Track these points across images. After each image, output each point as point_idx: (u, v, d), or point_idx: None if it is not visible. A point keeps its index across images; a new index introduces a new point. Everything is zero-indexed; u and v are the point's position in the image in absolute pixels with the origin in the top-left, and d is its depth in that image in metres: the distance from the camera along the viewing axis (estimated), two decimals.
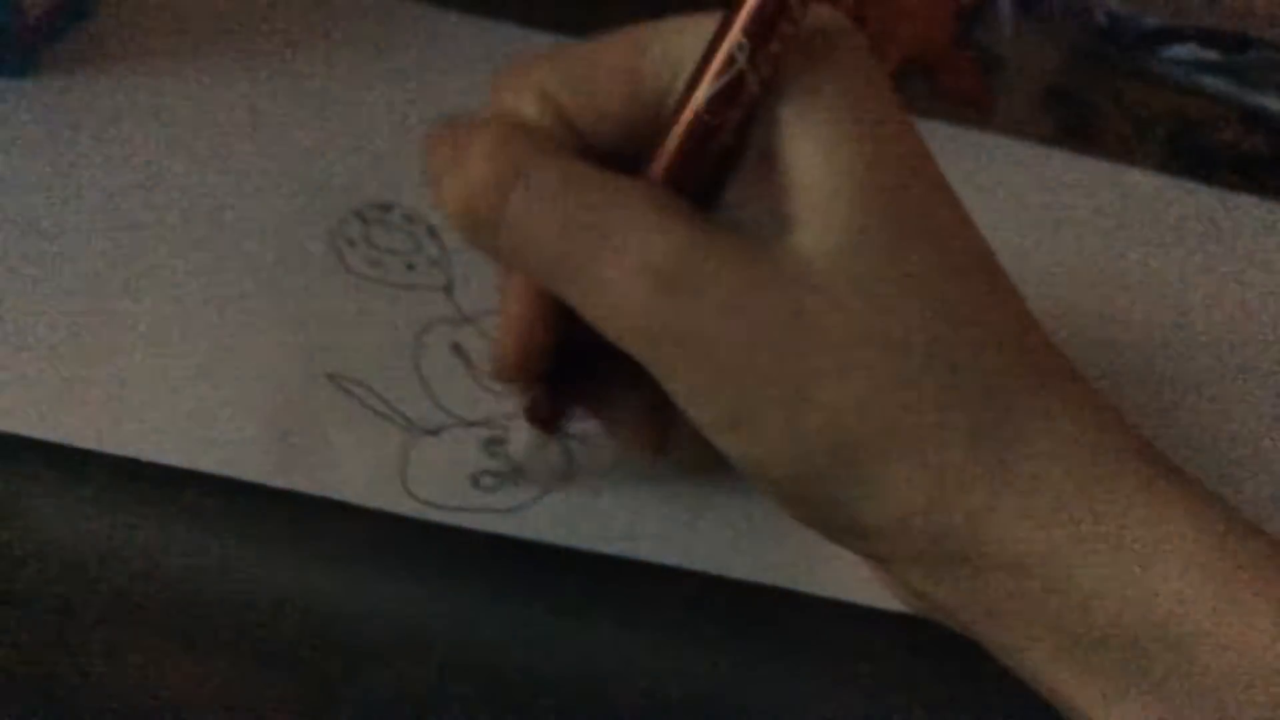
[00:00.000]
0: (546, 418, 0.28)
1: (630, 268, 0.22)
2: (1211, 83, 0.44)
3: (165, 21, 0.38)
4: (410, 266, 0.34)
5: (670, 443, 0.28)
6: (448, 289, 0.34)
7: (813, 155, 0.22)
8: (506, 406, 0.32)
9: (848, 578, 0.30)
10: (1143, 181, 0.43)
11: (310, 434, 0.30)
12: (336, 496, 0.29)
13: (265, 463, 0.29)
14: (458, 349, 0.32)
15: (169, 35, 0.38)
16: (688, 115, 0.23)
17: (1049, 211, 0.42)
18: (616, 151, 0.24)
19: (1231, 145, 0.43)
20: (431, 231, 0.35)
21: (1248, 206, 0.43)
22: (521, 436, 0.28)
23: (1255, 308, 0.41)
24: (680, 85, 0.23)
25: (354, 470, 0.29)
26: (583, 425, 0.31)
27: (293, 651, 0.27)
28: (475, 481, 0.30)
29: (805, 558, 0.30)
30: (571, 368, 0.27)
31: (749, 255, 0.22)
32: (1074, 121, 0.44)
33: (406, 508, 0.29)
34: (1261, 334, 0.40)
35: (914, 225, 0.22)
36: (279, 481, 0.29)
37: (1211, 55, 0.44)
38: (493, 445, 0.31)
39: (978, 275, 0.23)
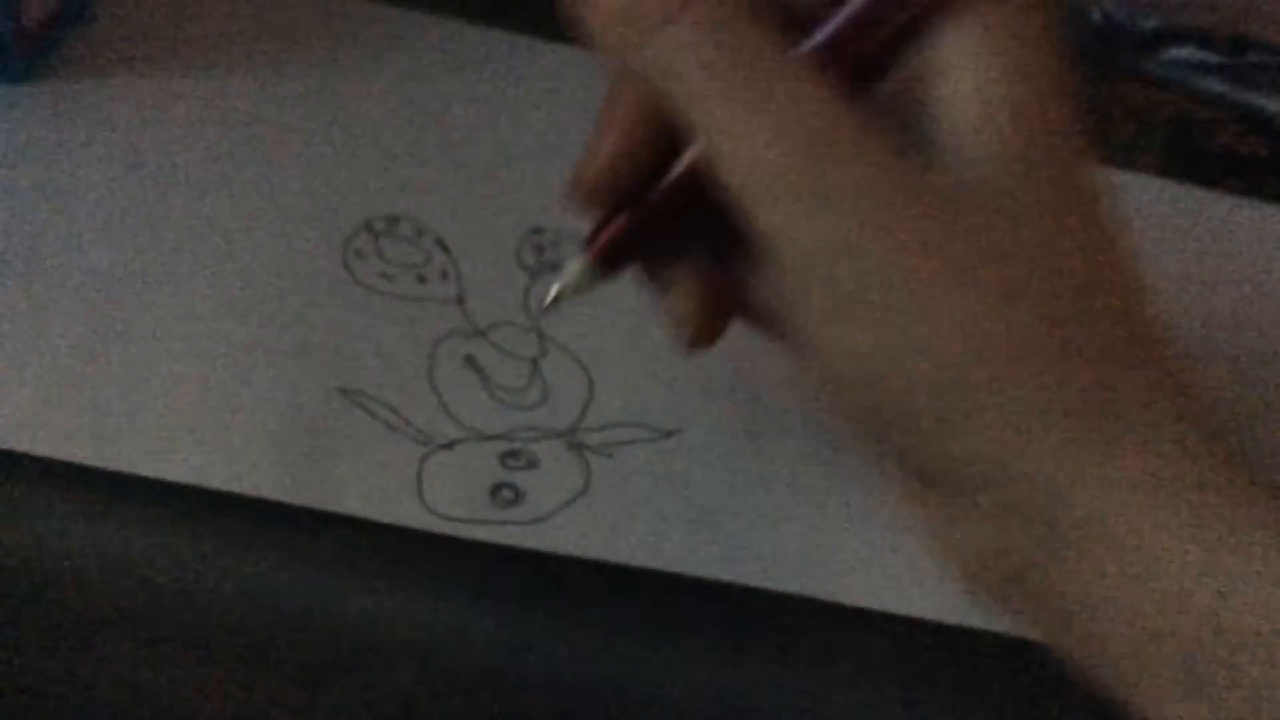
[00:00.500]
0: (606, 253, 0.26)
1: (780, 121, 0.21)
2: (1210, 85, 0.44)
3: (166, 28, 0.38)
4: (421, 279, 0.34)
5: (720, 334, 0.27)
6: (460, 301, 0.33)
7: (974, 83, 0.21)
8: (522, 419, 0.31)
9: (873, 585, 0.30)
10: (1142, 185, 0.43)
11: (323, 449, 0.29)
12: (351, 512, 0.28)
13: (277, 479, 0.28)
14: (471, 361, 0.32)
15: (170, 42, 0.37)
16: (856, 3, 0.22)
17: None
18: None
19: (1230, 148, 0.44)
20: (441, 244, 0.34)
21: (1246, 210, 0.43)
22: (571, 268, 0.26)
23: (1253, 311, 0.41)
24: None
25: (369, 485, 0.29)
26: (600, 435, 0.31)
27: (285, 660, 0.27)
28: (494, 494, 0.30)
29: (825, 563, 0.30)
30: (652, 218, 0.25)
31: (899, 153, 0.21)
32: None
33: (425, 522, 0.29)
34: (1259, 337, 0.40)
35: (1059, 184, 0.22)
36: (291, 498, 0.28)
37: (1210, 57, 0.44)
38: (510, 459, 0.31)
39: (1111, 255, 0.22)
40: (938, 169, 0.21)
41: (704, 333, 0.26)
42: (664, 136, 0.24)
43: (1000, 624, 0.29)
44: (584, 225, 0.26)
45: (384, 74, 0.38)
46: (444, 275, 0.34)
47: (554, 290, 0.27)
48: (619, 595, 0.29)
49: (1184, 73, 0.44)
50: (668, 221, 0.25)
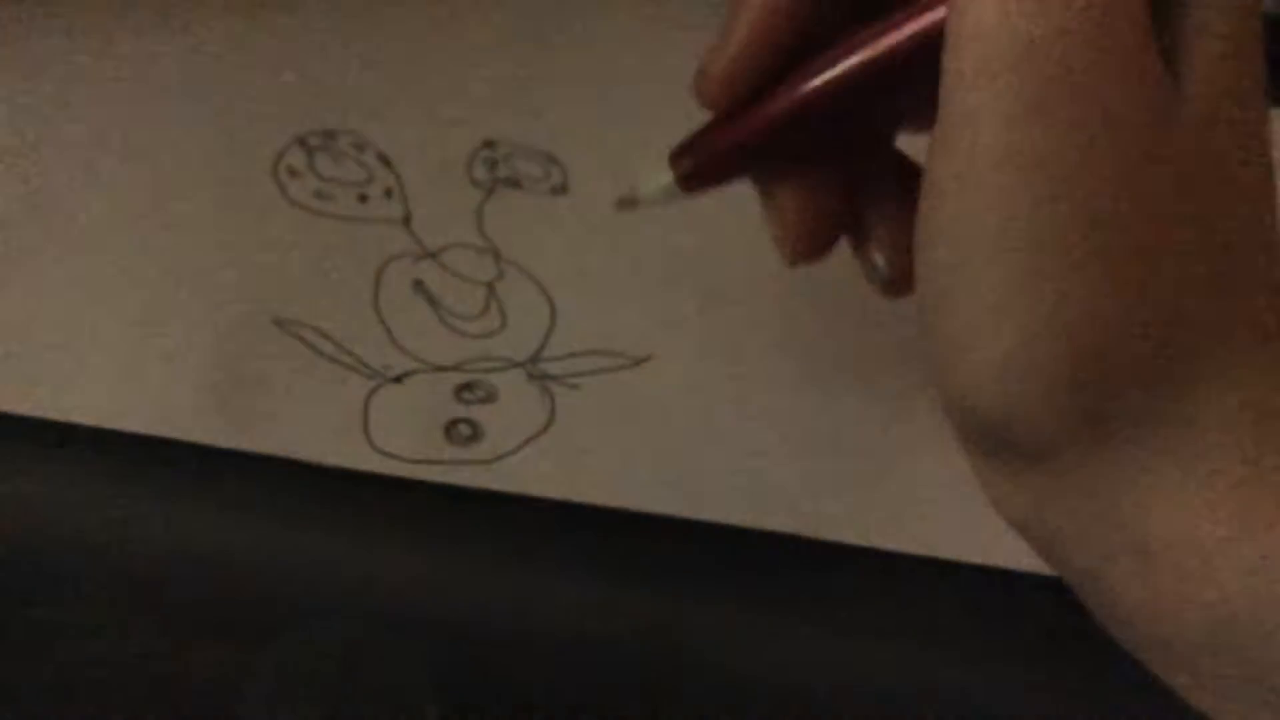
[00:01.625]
0: (703, 165, 0.23)
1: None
2: None
3: None
4: (363, 198, 0.30)
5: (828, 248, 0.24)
6: (406, 221, 0.30)
7: (1212, 32, 0.19)
8: (478, 349, 0.28)
9: (860, 521, 0.27)
10: None
11: (258, 386, 0.26)
12: (291, 454, 0.26)
13: (207, 420, 0.26)
14: (420, 287, 0.29)
15: None
16: None
17: None
18: None
19: None
20: (384, 159, 0.31)
21: None
22: (655, 177, 0.24)
23: None
24: None
25: (310, 424, 0.26)
26: (564, 364, 0.29)
27: (221, 617, 0.24)
28: (448, 431, 0.27)
29: (809, 499, 0.27)
30: (763, 134, 0.22)
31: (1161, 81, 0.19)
32: None
33: (372, 463, 0.26)
34: None
35: (1248, 142, 0.19)
36: (223, 441, 0.26)
37: None
38: (465, 392, 0.28)
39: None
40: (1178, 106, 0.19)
41: (808, 248, 0.24)
42: (796, 35, 0.21)
43: (994, 561, 0.27)
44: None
45: None
46: (388, 193, 0.31)
47: (630, 193, 0.24)
48: (585, 537, 0.26)
49: None
50: (781, 138, 0.22)
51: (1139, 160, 0.18)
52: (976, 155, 0.18)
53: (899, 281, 0.23)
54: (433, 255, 0.30)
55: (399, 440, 0.26)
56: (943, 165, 0.19)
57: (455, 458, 0.27)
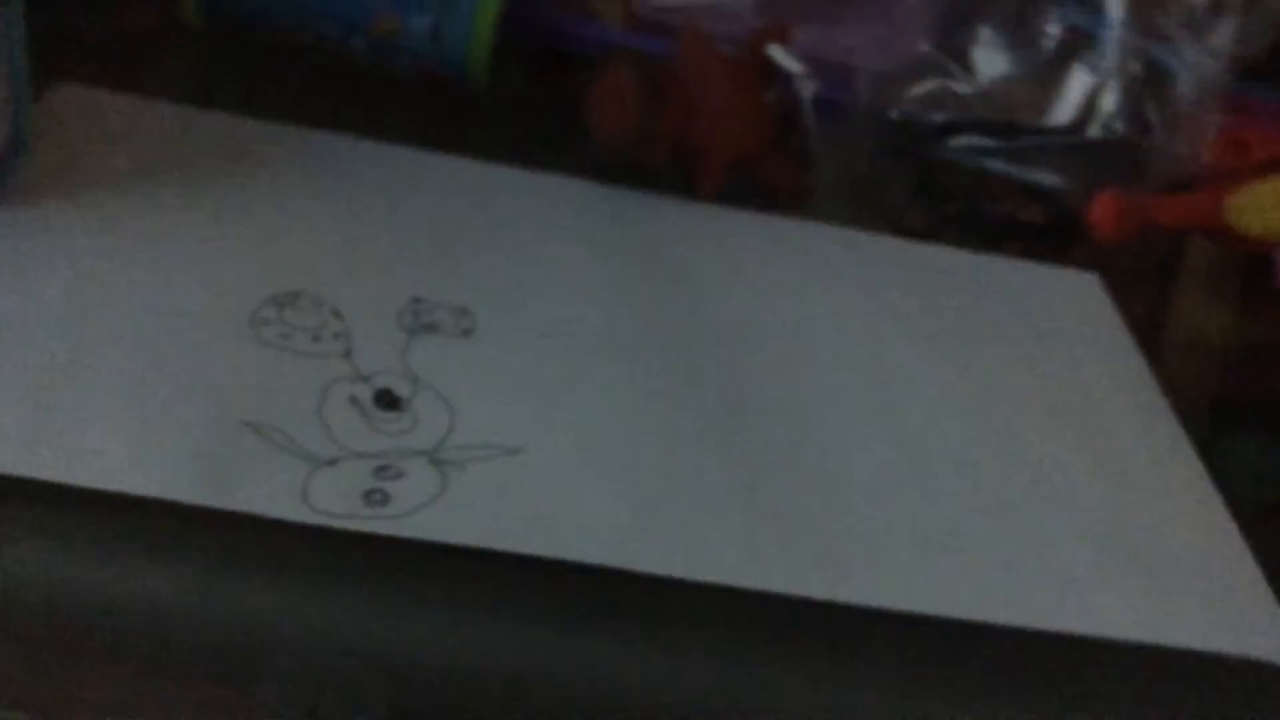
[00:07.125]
0: None
1: None
2: (994, 164, 0.53)
3: (95, 154, 0.47)
4: (315, 338, 0.42)
5: None
6: (348, 355, 0.41)
7: None
8: (394, 444, 0.39)
9: (741, 563, 0.37)
10: (936, 255, 0.51)
11: (229, 465, 0.37)
12: (249, 510, 0.36)
13: (190, 487, 0.36)
14: (354, 400, 0.40)
15: (97, 163, 0.46)
16: None
17: (861, 287, 0.49)
18: None
19: (1012, 215, 0.52)
20: (335, 312, 0.43)
21: (1024, 270, 0.51)
22: None
23: (1030, 356, 0.48)
24: None
25: (264, 491, 0.36)
26: (457, 452, 0.39)
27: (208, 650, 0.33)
28: (366, 497, 0.37)
29: (697, 547, 0.37)
30: None
31: None
32: (880, 207, 0.52)
33: (307, 518, 0.36)
34: (1037, 377, 0.47)
35: None
36: (200, 501, 0.36)
37: (990, 142, 0.53)
38: (381, 471, 0.38)
39: None
40: None
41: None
42: None
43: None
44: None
45: (283, 184, 0.48)
46: (335, 335, 0.42)
47: None
48: (467, 574, 0.36)
49: (971, 156, 0.53)
50: None
51: None
52: None
53: None
54: (365, 379, 0.41)
55: (329, 503, 0.36)
56: None
57: (370, 514, 0.36)
